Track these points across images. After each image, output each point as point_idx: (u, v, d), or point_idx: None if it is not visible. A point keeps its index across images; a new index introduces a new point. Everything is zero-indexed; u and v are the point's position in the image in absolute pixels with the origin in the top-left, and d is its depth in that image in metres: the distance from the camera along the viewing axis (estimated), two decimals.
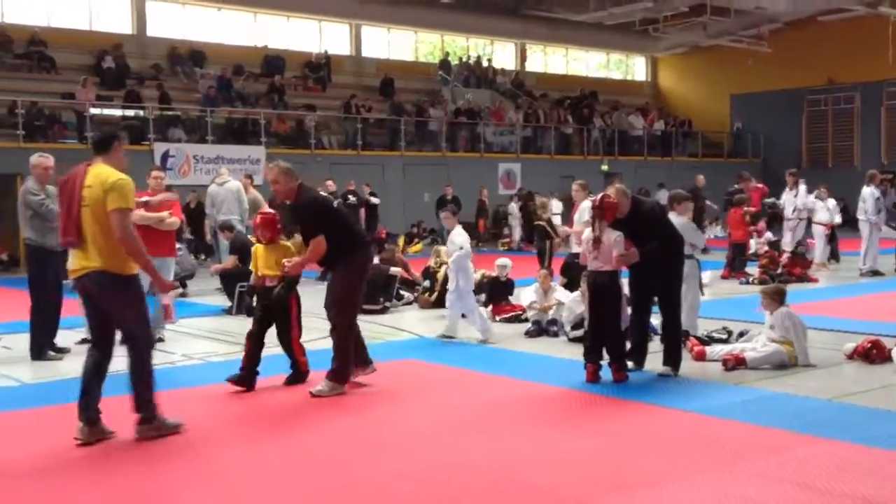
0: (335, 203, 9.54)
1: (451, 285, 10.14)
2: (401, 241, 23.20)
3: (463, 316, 10.04)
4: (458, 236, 10.19)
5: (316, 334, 9.78)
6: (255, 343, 7.50)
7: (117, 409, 6.04)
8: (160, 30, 27.35)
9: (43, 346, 8.87)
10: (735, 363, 7.99)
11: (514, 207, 25.10)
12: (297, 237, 8.11)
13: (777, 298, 8.37)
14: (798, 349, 8.12)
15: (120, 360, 6.19)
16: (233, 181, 14.78)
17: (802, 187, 17.11)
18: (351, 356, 7.38)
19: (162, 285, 6.39)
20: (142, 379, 6.00)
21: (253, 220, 7.76)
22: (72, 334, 9.53)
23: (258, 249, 7.80)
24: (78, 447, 5.85)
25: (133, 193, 6.04)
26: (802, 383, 7.45)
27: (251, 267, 8.01)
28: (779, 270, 15.06)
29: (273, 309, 7.60)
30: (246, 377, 7.43)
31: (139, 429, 5.98)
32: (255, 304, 7.74)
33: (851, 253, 17.36)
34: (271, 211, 8.19)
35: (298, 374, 7.67)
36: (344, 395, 7.21)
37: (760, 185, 19.58)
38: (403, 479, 5.19)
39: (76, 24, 25.87)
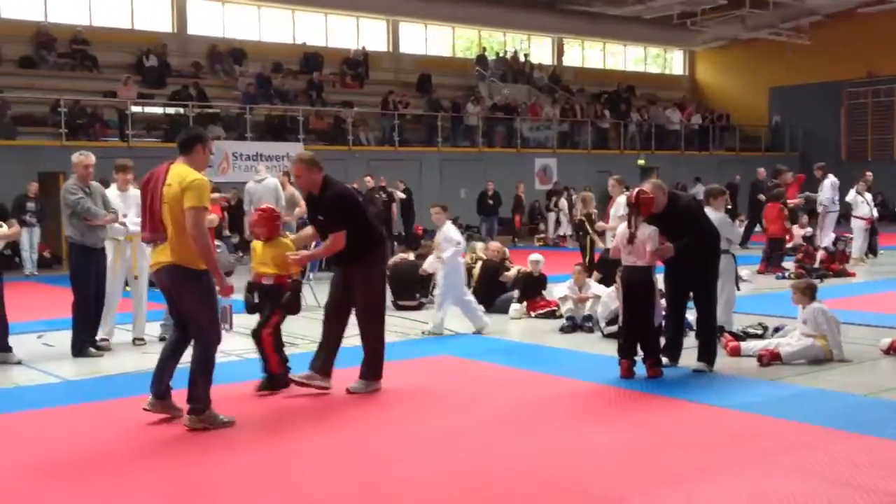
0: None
1: (439, 283, 10.19)
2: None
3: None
4: (455, 233, 10.28)
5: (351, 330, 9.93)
6: (279, 339, 7.45)
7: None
8: (200, 28, 27.67)
9: (84, 343, 8.98)
10: (770, 358, 7.99)
11: (564, 204, 24.96)
12: (306, 230, 7.86)
13: (808, 293, 8.35)
14: (832, 343, 8.11)
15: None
16: (271, 178, 14.98)
17: (827, 181, 16.86)
18: (383, 353, 7.39)
19: (223, 287, 6.42)
20: (202, 372, 6.20)
21: (251, 217, 7.52)
22: (123, 332, 9.74)
23: (256, 246, 7.65)
24: (127, 438, 6.03)
25: (209, 193, 6.30)
26: (838, 379, 7.44)
27: (251, 264, 7.79)
28: (816, 265, 14.97)
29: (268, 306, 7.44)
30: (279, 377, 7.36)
31: (189, 418, 6.16)
32: (254, 300, 7.53)
33: (890, 247, 17.20)
34: (269, 207, 7.98)
35: (271, 379, 7.39)
36: (379, 390, 7.28)
37: (798, 176, 19.36)
38: (442, 473, 5.28)
39: (118, 23, 26.23)
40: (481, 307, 10.55)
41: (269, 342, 7.36)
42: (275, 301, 7.44)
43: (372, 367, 7.31)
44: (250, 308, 7.62)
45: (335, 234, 7.06)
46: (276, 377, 7.34)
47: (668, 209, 7.74)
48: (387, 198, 21.14)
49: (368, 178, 18.94)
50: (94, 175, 9.21)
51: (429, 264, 11.15)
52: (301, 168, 7.17)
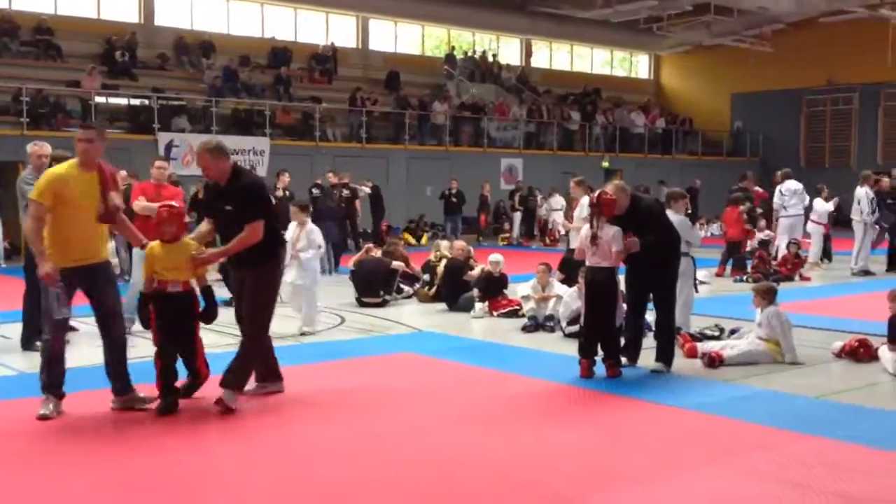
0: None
1: (302, 282, 9.91)
2: (406, 235, 23.42)
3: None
4: (318, 236, 10.17)
5: (316, 326, 9.95)
6: (171, 361, 6.61)
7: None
8: (168, 19, 27.45)
9: (31, 337, 8.73)
10: (712, 360, 8.16)
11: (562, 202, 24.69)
12: (203, 227, 6.99)
13: (767, 296, 8.54)
14: (785, 347, 8.30)
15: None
16: None
17: (784, 186, 17.05)
18: (252, 367, 6.84)
19: (43, 273, 6.21)
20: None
21: (158, 214, 6.75)
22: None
23: (155, 249, 6.64)
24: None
25: (43, 188, 6.34)
26: (791, 381, 7.61)
27: (143, 270, 6.85)
28: (772, 269, 15.25)
29: (183, 320, 6.66)
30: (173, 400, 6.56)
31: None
32: (146, 312, 6.68)
33: (844, 252, 17.55)
34: (175, 204, 7.07)
35: (193, 386, 6.87)
36: (236, 410, 6.51)
37: (762, 191, 19.65)
38: (403, 471, 5.33)
39: (84, 12, 25.95)
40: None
41: (202, 358, 6.84)
42: (187, 311, 6.69)
43: (236, 376, 6.62)
44: (145, 322, 6.84)
45: (252, 224, 6.46)
46: (198, 383, 6.86)
47: (630, 211, 7.86)
48: (349, 194, 21.17)
49: (331, 175, 18.90)
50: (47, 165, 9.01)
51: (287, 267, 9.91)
52: (207, 157, 6.54)
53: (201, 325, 6.81)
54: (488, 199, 25.93)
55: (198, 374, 6.82)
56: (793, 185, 16.73)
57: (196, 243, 6.77)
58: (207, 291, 6.75)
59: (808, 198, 17.08)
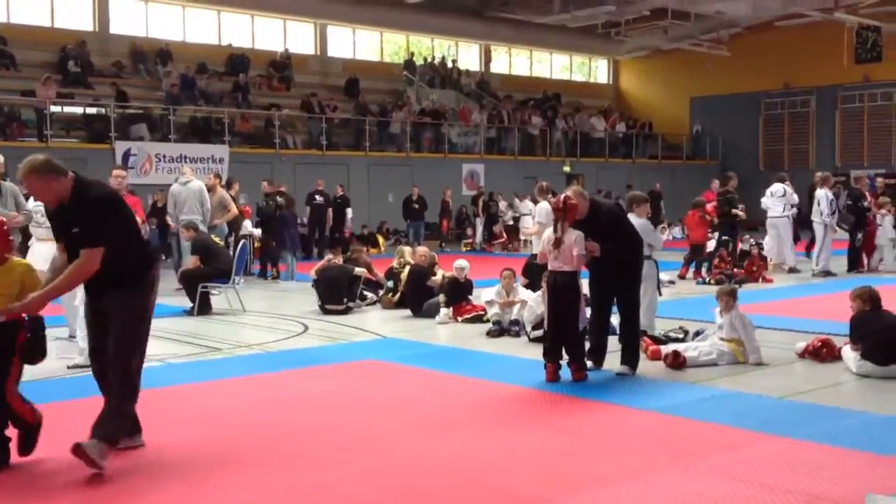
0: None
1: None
2: (381, 240, 23.40)
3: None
4: None
5: (279, 335, 9.85)
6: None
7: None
8: (123, 27, 27.16)
9: None
10: (675, 359, 8.19)
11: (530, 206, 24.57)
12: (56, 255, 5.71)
13: (731, 298, 8.58)
14: (749, 349, 8.34)
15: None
16: (195, 181, 14.74)
17: (770, 188, 17.21)
18: (126, 416, 5.57)
19: None
20: None
21: None
22: None
23: None
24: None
25: None
26: (755, 381, 7.64)
27: None
28: (734, 270, 15.34)
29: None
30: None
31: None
32: None
33: (804, 253, 17.76)
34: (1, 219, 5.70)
35: (29, 433, 5.54)
36: (105, 469, 5.26)
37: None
38: (367, 477, 5.27)
39: (37, 20, 25.60)
40: None
41: (17, 400, 5.45)
42: (8, 343, 5.40)
43: (106, 428, 5.34)
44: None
45: (90, 250, 5.28)
46: (34, 427, 5.56)
47: (590, 215, 7.87)
48: (322, 201, 21.12)
49: (265, 184, 18.34)
50: (9, 175, 8.93)
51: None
52: (34, 180, 5.36)
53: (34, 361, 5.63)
54: (450, 204, 25.93)
55: (20, 421, 5.49)
56: (775, 187, 16.85)
57: (27, 264, 5.72)
58: (36, 324, 5.56)
59: (795, 199, 17.03)
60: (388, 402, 7.23)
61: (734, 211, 15.68)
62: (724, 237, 15.71)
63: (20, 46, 24.15)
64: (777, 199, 16.82)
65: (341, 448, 5.87)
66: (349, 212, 22.33)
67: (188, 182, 14.48)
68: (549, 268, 7.84)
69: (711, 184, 19.31)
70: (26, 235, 10.02)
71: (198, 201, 14.21)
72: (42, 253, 8.73)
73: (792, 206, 17.00)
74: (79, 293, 7.52)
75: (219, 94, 25.97)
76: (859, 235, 16.70)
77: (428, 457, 5.67)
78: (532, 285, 11.00)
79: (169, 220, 15.07)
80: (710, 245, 16.20)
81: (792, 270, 16.59)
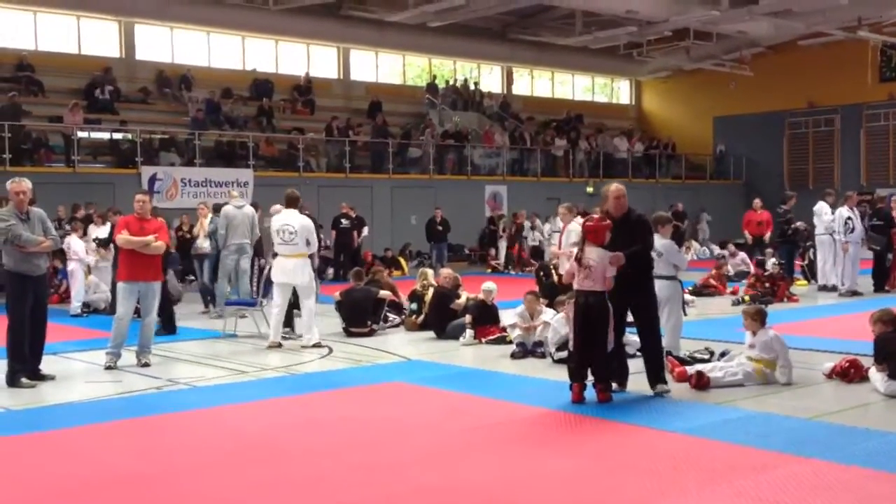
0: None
1: None
2: (404, 262, 23.42)
3: None
4: None
5: (304, 357, 9.85)
6: None
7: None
8: (148, 53, 27.45)
9: (17, 373, 8.66)
10: (699, 380, 8.15)
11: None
12: None
13: (758, 318, 8.53)
14: (786, 366, 8.30)
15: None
16: (248, 206, 14.81)
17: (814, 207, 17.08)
18: None
19: None
20: None
21: None
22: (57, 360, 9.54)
23: None
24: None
25: None
26: (783, 402, 7.58)
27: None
28: (763, 289, 15.26)
29: None
30: None
31: None
32: None
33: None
34: None
35: None
36: None
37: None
38: (393, 500, 5.26)
39: (65, 48, 25.95)
40: None
41: None
42: None
43: None
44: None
45: None
46: None
47: (625, 215, 7.88)
48: (348, 225, 21.23)
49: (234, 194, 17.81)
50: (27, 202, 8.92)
51: None
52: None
53: None
54: (522, 228, 25.37)
55: None
56: (818, 207, 16.76)
57: None
58: None
59: (828, 217, 16.64)
60: (412, 424, 7.23)
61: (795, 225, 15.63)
62: (782, 260, 15.68)
63: (48, 73, 24.48)
64: (822, 219, 16.70)
65: (365, 470, 5.87)
66: (365, 230, 22.33)
67: (242, 206, 14.53)
68: (578, 287, 7.78)
69: (754, 203, 19.31)
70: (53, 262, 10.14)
71: (249, 225, 14.31)
72: (283, 266, 10.89)
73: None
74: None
75: (243, 118, 26.17)
76: (889, 255, 16.54)
77: (452, 479, 5.66)
78: (549, 306, 10.90)
79: (216, 241, 14.58)
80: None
81: (831, 289, 16.43)
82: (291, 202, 11.24)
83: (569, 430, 6.95)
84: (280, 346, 10.93)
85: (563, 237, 12.07)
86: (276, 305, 11.07)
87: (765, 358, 8.33)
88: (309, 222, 11.33)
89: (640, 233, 7.90)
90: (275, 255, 11.26)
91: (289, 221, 11.06)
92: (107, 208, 16.04)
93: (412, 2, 25.91)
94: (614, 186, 8.07)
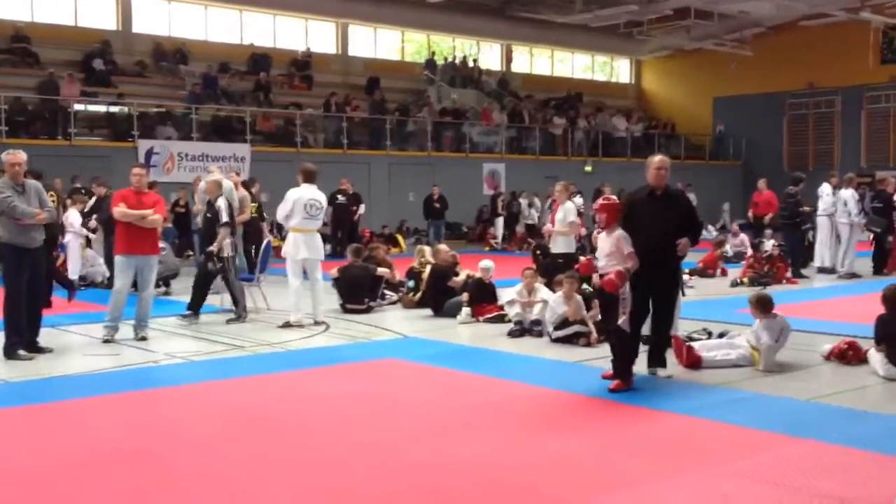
0: None
1: None
2: (401, 239, 23.40)
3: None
4: None
5: (300, 333, 9.84)
6: None
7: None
8: (145, 26, 27.28)
9: (14, 345, 8.68)
10: (688, 358, 8.13)
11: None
12: None
13: (759, 307, 8.43)
14: (770, 354, 8.20)
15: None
16: (226, 180, 14.70)
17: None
18: None
19: None
20: None
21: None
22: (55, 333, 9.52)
23: None
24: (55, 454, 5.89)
25: None
26: (781, 384, 7.56)
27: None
28: (763, 271, 15.20)
29: None
30: None
31: None
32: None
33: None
34: None
35: None
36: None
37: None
38: (390, 477, 5.25)
39: (61, 19, 25.77)
40: None
41: None
42: None
43: None
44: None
45: None
46: None
47: (671, 197, 7.80)
48: (345, 200, 21.17)
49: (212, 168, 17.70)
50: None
51: None
52: None
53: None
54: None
55: None
56: (821, 188, 16.67)
57: None
58: None
59: (829, 199, 16.48)
60: (408, 401, 7.21)
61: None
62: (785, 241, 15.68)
63: (44, 45, 24.30)
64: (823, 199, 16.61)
65: (361, 447, 5.85)
66: (361, 208, 22.28)
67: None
68: (602, 270, 7.51)
69: (758, 184, 19.20)
70: (52, 235, 10.10)
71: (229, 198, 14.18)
72: (307, 241, 10.77)
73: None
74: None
75: (240, 93, 26.04)
76: (889, 238, 16.50)
77: (449, 456, 5.64)
78: (549, 285, 10.84)
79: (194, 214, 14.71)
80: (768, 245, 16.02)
81: (829, 271, 16.38)
82: (310, 176, 11.08)
83: (565, 409, 6.94)
84: (302, 326, 10.69)
85: (557, 214, 11.99)
86: (296, 282, 10.85)
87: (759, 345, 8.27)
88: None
89: (687, 209, 7.83)
90: (279, 228, 11.07)
91: (316, 196, 10.97)
92: (91, 178, 15.78)
93: None
94: (658, 158, 7.90)
